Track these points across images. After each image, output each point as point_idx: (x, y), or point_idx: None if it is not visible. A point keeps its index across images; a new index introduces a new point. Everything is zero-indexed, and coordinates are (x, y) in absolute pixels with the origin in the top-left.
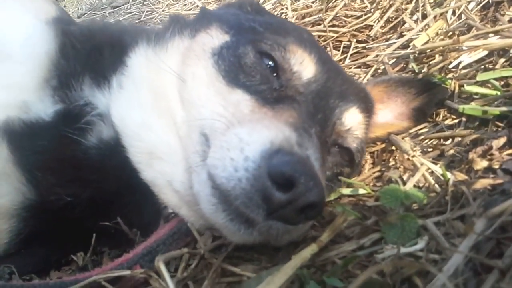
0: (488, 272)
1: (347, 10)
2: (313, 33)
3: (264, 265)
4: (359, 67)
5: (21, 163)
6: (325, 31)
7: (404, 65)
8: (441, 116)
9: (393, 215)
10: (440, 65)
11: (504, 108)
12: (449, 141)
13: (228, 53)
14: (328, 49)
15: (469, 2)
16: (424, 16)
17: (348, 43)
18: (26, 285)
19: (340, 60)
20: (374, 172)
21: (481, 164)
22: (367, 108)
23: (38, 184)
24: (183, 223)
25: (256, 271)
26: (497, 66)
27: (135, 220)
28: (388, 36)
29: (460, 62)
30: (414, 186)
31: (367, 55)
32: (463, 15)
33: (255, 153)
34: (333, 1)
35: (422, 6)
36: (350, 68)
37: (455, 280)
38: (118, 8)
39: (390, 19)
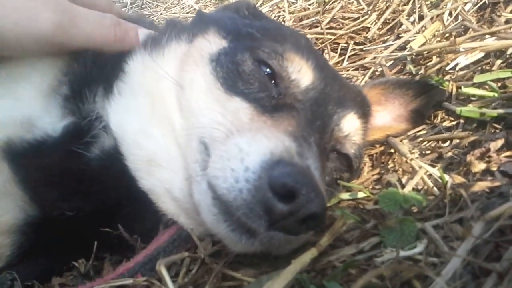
0: (487, 275)
1: (344, 12)
2: (311, 36)
3: (264, 269)
4: (356, 69)
5: (24, 181)
6: (322, 34)
7: (402, 67)
8: (439, 118)
9: (392, 218)
10: (437, 66)
11: (501, 110)
12: (447, 143)
13: (226, 60)
14: (326, 51)
15: (465, 3)
16: (421, 18)
17: (346, 45)
18: None
19: (337, 63)
20: (373, 175)
21: (479, 166)
22: (365, 113)
23: (42, 200)
24: (183, 229)
25: (256, 276)
26: (494, 68)
27: (136, 227)
28: (385, 38)
29: (457, 64)
30: (413, 189)
31: (365, 57)
32: (459, 17)
33: (255, 163)
34: (330, 4)
35: (419, 7)
36: (348, 70)
37: (453, 283)
38: None
39: (387, 21)
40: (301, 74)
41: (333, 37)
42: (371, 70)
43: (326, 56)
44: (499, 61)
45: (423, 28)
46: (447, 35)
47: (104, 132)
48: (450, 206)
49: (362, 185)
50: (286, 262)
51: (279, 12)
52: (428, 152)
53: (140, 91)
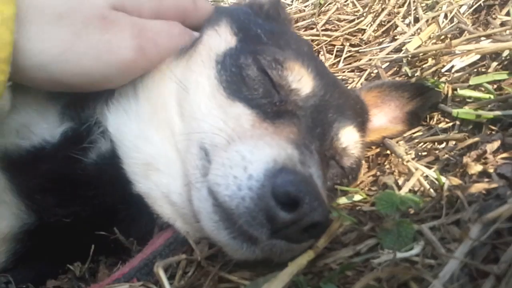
0: (484, 277)
1: (339, 14)
2: (306, 38)
3: (260, 271)
4: (352, 71)
5: (20, 190)
6: (318, 35)
7: (397, 69)
8: (435, 119)
9: (389, 221)
10: (433, 68)
11: (497, 112)
12: (443, 144)
13: (230, 63)
14: (321, 53)
15: (461, 6)
16: (417, 20)
17: (341, 47)
18: None
19: (333, 64)
20: (369, 177)
21: (476, 168)
22: (364, 122)
23: (38, 207)
24: (179, 232)
25: (253, 278)
26: (489, 70)
27: (132, 231)
28: (380, 40)
29: (453, 66)
30: (409, 190)
31: (360, 59)
32: (455, 19)
33: (259, 172)
34: (325, 5)
35: (414, 9)
36: (344, 72)
37: (451, 285)
38: None
39: (383, 23)
40: (301, 83)
41: (328, 39)
42: (366, 72)
43: (322, 58)
44: (494, 63)
45: (419, 30)
46: (442, 37)
47: (101, 137)
48: (447, 208)
49: (359, 187)
50: (282, 264)
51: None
52: (424, 153)
53: (143, 92)
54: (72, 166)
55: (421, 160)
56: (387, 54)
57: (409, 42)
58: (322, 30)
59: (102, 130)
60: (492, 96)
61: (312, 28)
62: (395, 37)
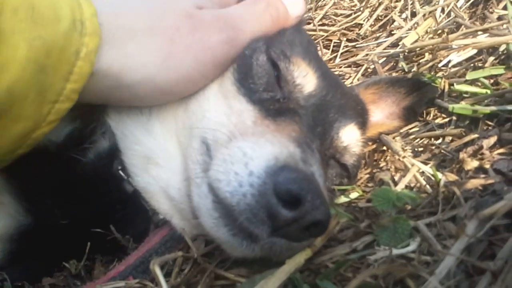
0: (480, 274)
1: (336, 8)
2: None
3: (257, 269)
4: (349, 66)
5: (18, 191)
6: (315, 30)
7: (394, 64)
8: (431, 115)
9: (385, 217)
10: (430, 63)
11: (494, 107)
12: (440, 140)
13: (246, 53)
14: (318, 48)
15: (457, 0)
16: (413, 14)
17: (338, 42)
18: None
19: (330, 59)
20: (365, 174)
21: (472, 164)
22: (364, 122)
23: (36, 209)
24: (175, 230)
25: (250, 275)
26: (486, 65)
27: (129, 230)
28: (377, 35)
29: (449, 61)
30: (406, 187)
31: (357, 54)
32: (452, 13)
33: (259, 168)
34: (322, 0)
35: (411, 4)
36: (341, 67)
37: (447, 282)
38: None
39: (380, 18)
40: (306, 79)
41: (325, 34)
42: (363, 67)
43: (319, 53)
44: (491, 58)
45: (416, 25)
46: (439, 32)
47: (102, 137)
48: (443, 204)
49: (355, 184)
50: (279, 262)
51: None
52: (420, 149)
53: None
54: (71, 167)
55: (417, 156)
56: (384, 49)
57: (406, 37)
58: (319, 25)
59: (104, 130)
60: (488, 91)
61: (309, 23)
62: (392, 32)
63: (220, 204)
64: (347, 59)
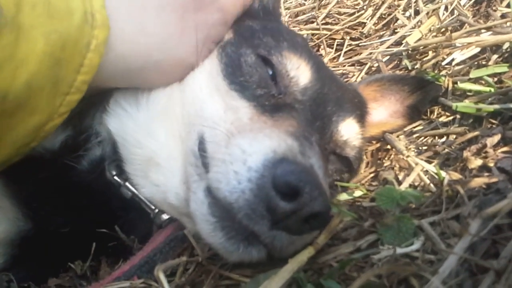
0: (484, 273)
1: (339, 7)
2: (306, 32)
3: (261, 268)
4: (352, 64)
5: (17, 197)
6: (318, 29)
7: (398, 62)
8: (435, 113)
9: (389, 216)
10: (433, 62)
11: (498, 105)
12: (444, 138)
13: (231, 50)
14: (322, 47)
15: None
16: (417, 13)
17: (342, 40)
18: None
19: (333, 58)
20: (370, 173)
21: (476, 162)
22: (362, 115)
23: (35, 216)
24: (179, 230)
25: (254, 275)
26: (490, 63)
27: (131, 234)
28: (381, 33)
29: (453, 59)
30: (410, 185)
31: (361, 53)
32: (455, 11)
33: (258, 162)
34: None
35: (415, 2)
36: (344, 66)
37: (450, 281)
38: None
39: (383, 16)
40: (299, 71)
41: (329, 33)
42: (367, 66)
43: (322, 52)
44: (495, 56)
45: (419, 23)
46: (443, 30)
47: (97, 146)
48: (447, 203)
49: (359, 183)
50: (283, 261)
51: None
52: (424, 148)
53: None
54: (67, 174)
55: (421, 154)
56: (388, 47)
57: (409, 35)
58: (322, 24)
59: (100, 140)
60: (492, 89)
61: (312, 22)
62: (396, 30)
63: (218, 205)
64: (350, 57)
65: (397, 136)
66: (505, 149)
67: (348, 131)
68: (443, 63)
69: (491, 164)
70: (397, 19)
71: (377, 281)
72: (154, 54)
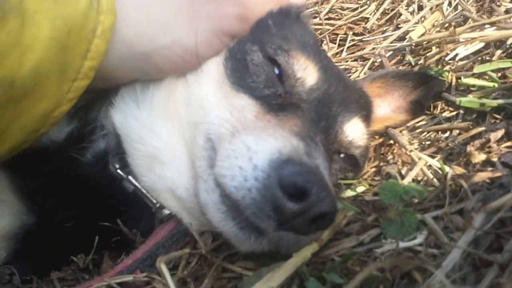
0: (488, 266)
1: (342, 2)
2: None
3: (263, 262)
4: (355, 60)
5: (21, 190)
6: (321, 24)
7: (401, 58)
8: (438, 108)
9: (392, 210)
10: (437, 57)
11: (501, 100)
12: (447, 133)
13: (237, 49)
14: (325, 42)
15: None
16: (420, 8)
17: (345, 36)
18: None
19: (336, 53)
20: (372, 167)
21: (479, 157)
22: (368, 115)
23: (39, 209)
24: (182, 224)
25: (256, 268)
26: (494, 58)
27: (133, 228)
28: (384, 29)
29: (456, 54)
30: (413, 180)
31: (364, 48)
32: (459, 6)
33: (264, 162)
34: None
35: None
36: (347, 61)
37: (454, 275)
38: None
39: (386, 11)
40: (306, 72)
41: (332, 28)
42: (370, 61)
43: (325, 47)
44: (499, 51)
45: (423, 19)
46: (446, 25)
47: (101, 138)
48: (450, 197)
49: (362, 178)
50: (286, 256)
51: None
52: (427, 143)
53: (153, 82)
54: (72, 166)
55: (424, 149)
56: (391, 42)
57: (412, 30)
58: (325, 19)
59: (106, 132)
60: (496, 85)
61: (315, 17)
62: (399, 26)
63: (227, 198)
64: (353, 53)
65: (400, 131)
66: (508, 144)
67: (354, 131)
68: (447, 58)
69: (495, 159)
70: (401, 14)
71: (380, 275)
72: (161, 40)
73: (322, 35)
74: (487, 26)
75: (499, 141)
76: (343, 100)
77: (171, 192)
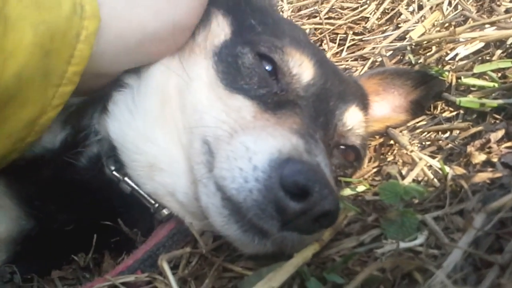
0: (488, 267)
1: (343, 2)
2: (309, 26)
3: (264, 262)
4: (356, 59)
5: (19, 196)
6: (321, 24)
7: (401, 57)
8: (438, 108)
9: (392, 211)
10: (437, 56)
11: (501, 101)
12: (447, 134)
13: (226, 53)
14: (325, 41)
15: None
16: (420, 7)
17: (345, 35)
18: None
19: (336, 53)
20: (373, 168)
21: (479, 157)
22: (365, 105)
23: (38, 214)
24: (182, 223)
25: (257, 268)
26: (494, 58)
27: (133, 229)
28: (384, 28)
29: (457, 54)
30: (413, 180)
31: (364, 48)
32: (459, 6)
33: (263, 162)
34: None
35: None
36: (347, 61)
37: (454, 275)
38: None
39: (386, 11)
40: (302, 68)
41: (332, 28)
42: (370, 61)
43: (325, 47)
44: (499, 51)
45: (423, 18)
46: (446, 25)
47: (95, 143)
48: (451, 198)
49: (362, 178)
50: (287, 256)
51: (277, 2)
52: (428, 143)
53: (145, 88)
54: (68, 172)
55: (425, 149)
56: (391, 42)
57: (412, 30)
58: (325, 19)
59: (100, 138)
60: (496, 85)
61: (315, 17)
62: (399, 25)
63: (229, 201)
64: (353, 52)
65: (401, 131)
66: (508, 144)
67: (353, 119)
68: (447, 58)
69: (495, 159)
70: (401, 14)
71: (381, 275)
72: (150, 25)
73: (322, 35)
74: (487, 26)
75: (499, 142)
76: (340, 94)
77: (173, 197)
